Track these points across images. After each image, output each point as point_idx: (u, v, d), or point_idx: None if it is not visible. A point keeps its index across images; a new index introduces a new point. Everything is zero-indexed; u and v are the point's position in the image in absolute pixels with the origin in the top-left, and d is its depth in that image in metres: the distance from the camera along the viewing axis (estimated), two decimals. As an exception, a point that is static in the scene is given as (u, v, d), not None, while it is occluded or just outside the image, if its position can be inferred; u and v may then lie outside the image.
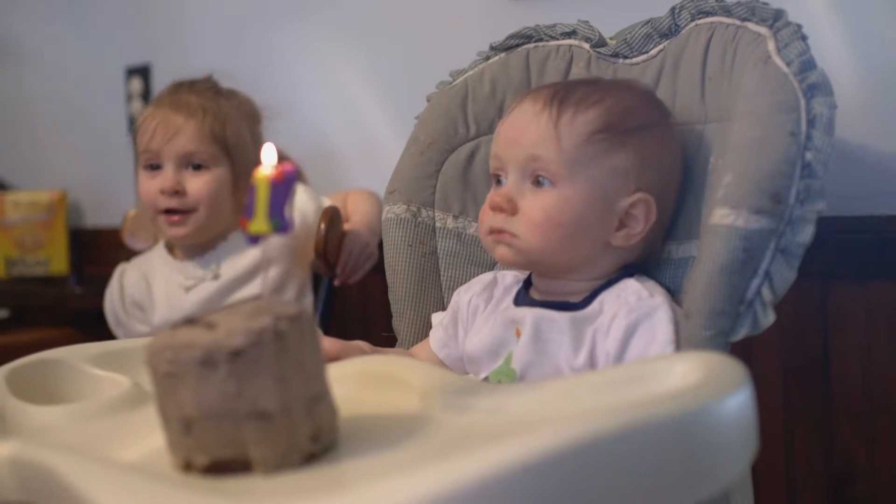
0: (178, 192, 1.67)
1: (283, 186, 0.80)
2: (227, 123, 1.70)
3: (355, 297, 1.99)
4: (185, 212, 1.68)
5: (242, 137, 1.72)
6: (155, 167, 1.69)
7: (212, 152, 1.68)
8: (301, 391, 0.77)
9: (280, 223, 0.80)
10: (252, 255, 1.70)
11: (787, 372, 1.46)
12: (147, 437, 0.84)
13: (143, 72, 2.54)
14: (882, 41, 1.38)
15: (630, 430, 0.69)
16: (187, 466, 0.76)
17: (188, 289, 1.71)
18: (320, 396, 0.79)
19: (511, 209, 1.16)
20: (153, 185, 1.69)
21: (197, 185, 1.68)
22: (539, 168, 1.14)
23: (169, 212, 1.68)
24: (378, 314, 1.87)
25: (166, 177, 1.67)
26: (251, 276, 1.69)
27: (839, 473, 1.42)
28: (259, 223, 0.81)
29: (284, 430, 0.75)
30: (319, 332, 1.15)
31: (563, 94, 1.16)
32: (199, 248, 1.74)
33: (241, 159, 1.71)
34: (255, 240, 0.82)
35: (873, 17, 1.38)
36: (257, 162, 1.69)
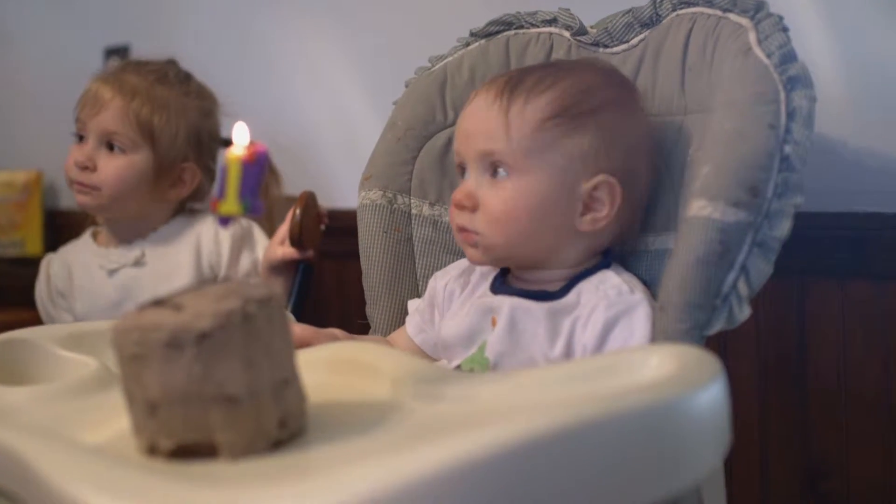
0: (87, 167, 1.67)
1: (255, 167, 0.79)
2: (157, 110, 1.68)
3: (331, 283, 1.98)
4: (90, 186, 1.68)
5: (173, 128, 1.70)
6: (82, 138, 1.70)
7: (132, 137, 1.67)
8: (269, 376, 0.75)
9: (251, 204, 0.80)
10: (184, 249, 1.70)
11: (763, 367, 1.45)
12: (113, 420, 0.83)
13: (121, 52, 2.51)
14: (863, 36, 1.37)
15: (601, 420, 0.68)
16: (152, 450, 0.75)
17: (111, 272, 1.71)
18: (288, 382, 0.78)
19: (472, 205, 1.15)
20: (73, 155, 1.69)
21: (109, 166, 1.67)
22: (495, 160, 1.13)
23: (79, 182, 1.68)
24: (355, 301, 1.86)
25: (83, 150, 1.68)
26: (182, 269, 1.69)
27: (813, 469, 1.41)
28: (230, 204, 0.80)
29: (251, 415, 0.74)
30: (291, 317, 1.15)
31: (516, 83, 1.15)
32: (124, 234, 1.74)
33: (166, 149, 1.69)
34: (225, 221, 0.81)
35: (855, 11, 1.37)
36: (186, 155, 1.70)
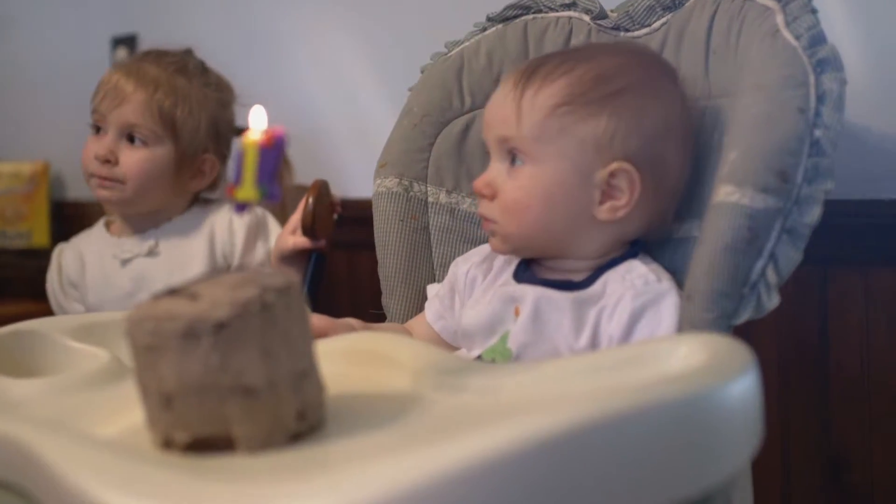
0: (109, 161, 1.64)
1: (273, 151, 0.77)
2: (180, 102, 1.66)
3: (343, 274, 1.95)
4: (113, 180, 1.65)
5: (195, 120, 1.68)
6: (99, 130, 1.67)
7: (154, 129, 1.64)
8: (288, 366, 0.73)
9: (269, 190, 0.77)
10: (198, 239, 1.68)
11: (784, 357, 1.43)
12: (126, 413, 0.81)
13: (129, 42, 2.49)
14: (888, 20, 1.35)
15: (633, 412, 0.66)
16: (167, 444, 0.73)
17: (124, 262, 1.68)
18: (307, 372, 0.75)
19: (490, 193, 1.13)
20: (91, 147, 1.66)
21: (131, 159, 1.64)
22: (511, 148, 1.12)
23: (98, 176, 1.65)
24: (367, 292, 1.84)
25: (103, 143, 1.64)
26: (196, 259, 1.67)
27: (835, 460, 1.39)
28: (247, 190, 0.78)
29: (269, 406, 0.72)
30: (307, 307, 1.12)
31: (533, 70, 1.13)
32: (138, 224, 1.71)
33: (188, 142, 1.67)
34: (242, 207, 0.78)
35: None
36: (206, 147, 1.68)
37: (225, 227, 1.68)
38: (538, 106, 1.10)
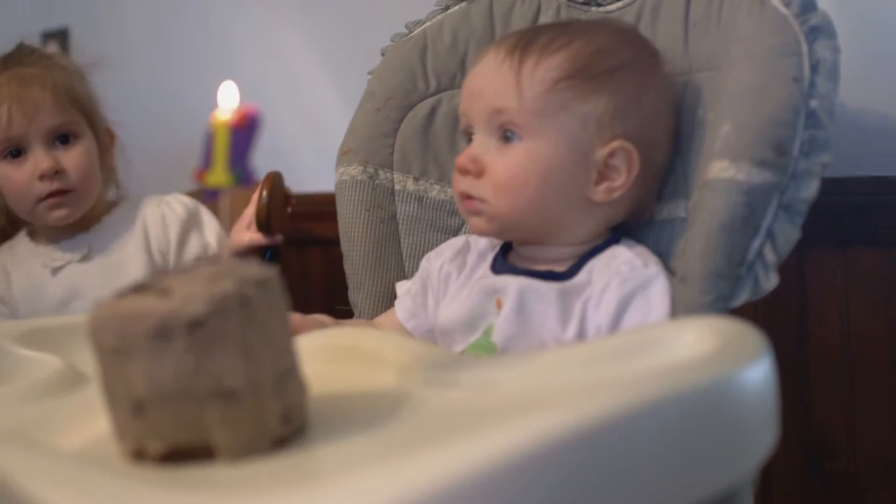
0: (58, 171, 1.53)
1: (246, 132, 0.70)
2: (75, 86, 1.58)
3: (294, 272, 1.89)
4: (65, 192, 1.54)
5: (93, 99, 1.60)
6: (17, 154, 1.54)
7: (77, 120, 1.56)
8: (269, 366, 0.67)
9: (242, 174, 0.70)
10: (132, 238, 1.59)
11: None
12: (88, 423, 0.74)
13: (60, 36, 2.41)
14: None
15: (652, 404, 0.60)
16: (139, 455, 0.66)
17: (55, 270, 1.58)
18: (290, 371, 0.69)
19: (477, 170, 1.07)
20: (24, 173, 1.53)
21: (73, 159, 1.54)
22: (505, 122, 1.06)
23: (49, 196, 1.53)
24: (318, 290, 1.78)
25: (40, 158, 1.52)
26: (133, 259, 1.57)
27: (818, 447, 1.36)
28: (218, 175, 0.71)
29: (251, 410, 0.66)
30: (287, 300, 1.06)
31: (528, 40, 1.08)
32: (66, 231, 1.60)
33: (98, 123, 1.60)
34: (213, 194, 0.72)
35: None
36: (107, 124, 1.59)
37: (157, 221, 1.60)
38: (539, 79, 1.05)
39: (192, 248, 1.60)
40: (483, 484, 0.54)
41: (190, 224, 1.61)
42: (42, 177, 1.52)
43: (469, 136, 1.10)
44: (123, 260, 1.58)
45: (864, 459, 1.34)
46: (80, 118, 1.56)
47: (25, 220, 1.64)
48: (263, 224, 1.41)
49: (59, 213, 1.54)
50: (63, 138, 1.54)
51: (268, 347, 0.67)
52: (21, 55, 1.60)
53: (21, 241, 1.65)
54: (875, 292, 1.31)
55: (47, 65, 1.58)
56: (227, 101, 0.72)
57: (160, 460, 0.65)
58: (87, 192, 1.56)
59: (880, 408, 1.32)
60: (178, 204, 1.62)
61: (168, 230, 1.60)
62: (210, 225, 1.61)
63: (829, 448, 1.35)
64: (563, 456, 0.56)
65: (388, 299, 1.24)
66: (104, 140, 1.61)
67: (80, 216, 1.58)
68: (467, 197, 1.08)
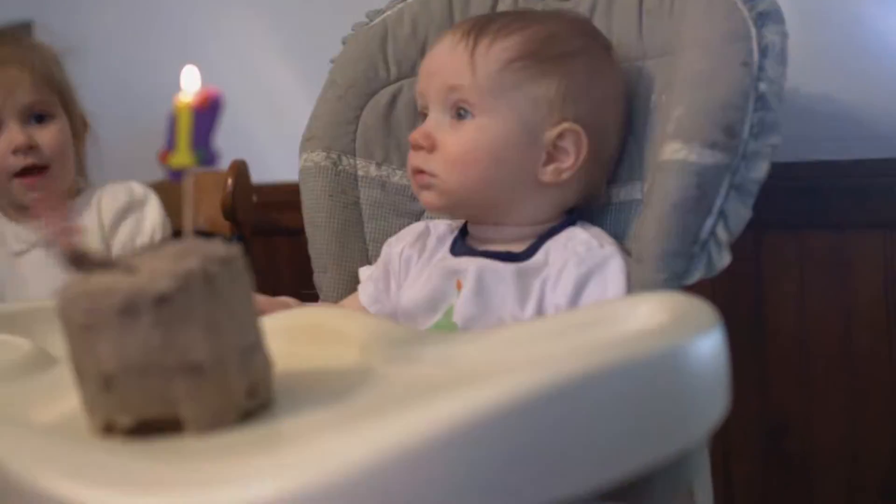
0: (32, 147, 1.54)
1: (208, 114, 0.72)
2: (52, 70, 1.59)
3: (262, 261, 1.90)
4: (41, 168, 1.55)
5: (70, 85, 1.62)
6: None
7: (52, 101, 1.57)
8: (234, 341, 0.68)
9: (205, 155, 0.72)
10: (90, 229, 1.58)
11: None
12: (59, 401, 0.75)
13: (24, 29, 2.40)
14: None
15: (606, 371, 0.62)
16: (108, 428, 0.67)
17: (18, 254, 1.58)
18: (255, 347, 0.71)
19: (430, 145, 1.10)
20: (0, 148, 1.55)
21: (47, 136, 1.55)
22: (458, 100, 1.09)
23: (24, 172, 1.54)
24: (288, 278, 1.79)
25: (14, 133, 1.53)
26: (92, 244, 1.58)
27: (774, 426, 1.39)
28: (182, 156, 0.73)
29: (217, 384, 0.67)
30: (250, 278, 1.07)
31: (483, 24, 1.11)
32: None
33: (73, 108, 1.61)
34: (177, 175, 0.73)
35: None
36: (82, 111, 1.60)
37: (109, 205, 1.61)
38: (493, 58, 1.08)
39: (122, 236, 1.60)
40: (442, 446, 0.56)
41: (126, 212, 1.61)
42: (16, 150, 1.52)
43: (424, 117, 1.13)
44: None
45: (819, 438, 1.37)
46: (55, 100, 1.57)
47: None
48: (229, 212, 1.43)
49: (34, 195, 1.54)
50: (38, 117, 1.55)
51: (232, 323, 0.68)
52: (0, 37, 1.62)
53: None
54: (829, 274, 1.34)
55: (26, 47, 1.60)
56: (189, 85, 0.73)
57: (129, 433, 0.67)
58: (61, 171, 1.56)
59: (835, 387, 1.35)
60: (122, 191, 1.61)
61: (105, 216, 1.60)
62: (151, 214, 1.61)
63: (786, 426, 1.38)
64: (520, 420, 0.58)
65: (353, 283, 1.25)
66: (78, 126, 1.62)
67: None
68: (419, 171, 1.11)
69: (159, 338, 0.65)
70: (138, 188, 1.62)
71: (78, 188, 1.64)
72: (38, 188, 1.54)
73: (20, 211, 1.60)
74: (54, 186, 1.56)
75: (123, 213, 1.60)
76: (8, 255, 1.57)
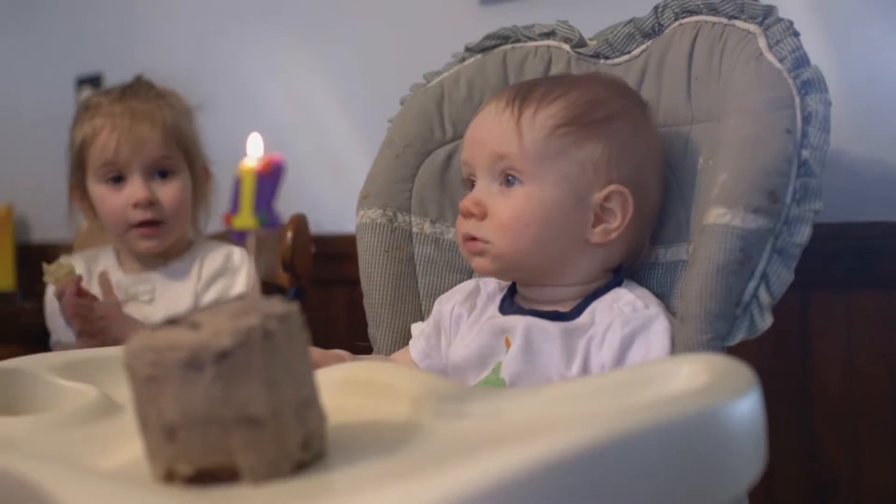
0: (152, 203, 1.61)
1: (271, 178, 0.76)
2: (181, 126, 1.66)
3: (319, 311, 1.94)
4: (158, 223, 1.61)
5: (196, 138, 1.68)
6: (117, 179, 1.62)
7: (178, 157, 1.64)
8: (291, 395, 0.72)
9: (267, 217, 0.76)
10: (187, 289, 1.64)
11: (767, 382, 1.40)
12: (123, 447, 0.79)
13: (94, 82, 2.47)
14: (861, 43, 1.37)
15: (646, 430, 0.65)
16: (169, 476, 0.71)
17: (122, 303, 1.63)
18: (310, 401, 0.74)
19: (480, 213, 1.13)
20: (121, 199, 1.62)
21: (168, 193, 1.62)
22: (507, 167, 1.12)
23: (142, 224, 1.61)
24: (344, 327, 1.83)
25: (138, 188, 1.60)
26: (182, 304, 1.63)
27: (822, 483, 1.39)
28: (244, 218, 0.77)
29: (274, 436, 0.71)
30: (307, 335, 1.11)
31: (526, 92, 1.14)
32: (145, 260, 1.67)
33: (196, 160, 1.67)
34: (240, 236, 0.77)
35: (853, 19, 1.37)
36: (206, 162, 1.65)
37: (208, 267, 1.66)
38: (538, 126, 1.11)
39: (211, 295, 1.65)
40: (488, 501, 0.59)
41: (219, 276, 1.67)
42: (136, 205, 1.60)
43: (471, 184, 1.16)
44: (178, 307, 1.62)
45: (867, 493, 1.37)
46: (180, 156, 1.64)
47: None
48: (288, 264, 1.47)
49: (148, 244, 1.62)
50: (162, 172, 1.62)
51: (289, 377, 0.72)
52: (138, 90, 1.69)
53: (106, 254, 1.71)
54: (876, 332, 1.35)
55: (160, 103, 1.66)
56: (254, 150, 0.78)
57: (189, 482, 0.70)
58: (176, 225, 1.64)
59: (882, 443, 1.35)
60: (221, 256, 1.67)
61: (203, 275, 1.66)
62: (240, 281, 1.66)
63: (833, 482, 1.39)
64: (564, 477, 0.61)
65: (406, 336, 1.29)
66: (200, 177, 1.68)
67: (165, 247, 1.65)
68: (471, 238, 1.14)
69: (220, 391, 0.69)
70: (237, 254, 1.68)
71: (188, 240, 1.70)
72: (152, 237, 1.60)
73: (131, 258, 1.66)
74: (167, 238, 1.63)
75: (217, 276, 1.66)
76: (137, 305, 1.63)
